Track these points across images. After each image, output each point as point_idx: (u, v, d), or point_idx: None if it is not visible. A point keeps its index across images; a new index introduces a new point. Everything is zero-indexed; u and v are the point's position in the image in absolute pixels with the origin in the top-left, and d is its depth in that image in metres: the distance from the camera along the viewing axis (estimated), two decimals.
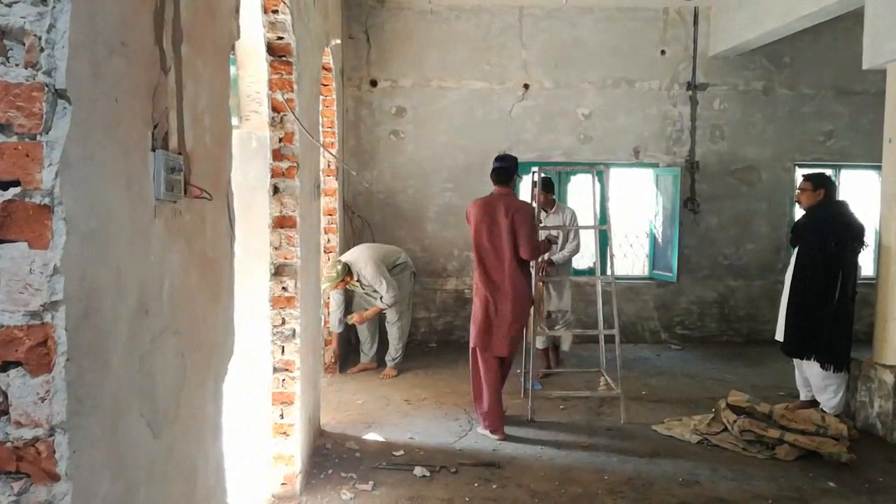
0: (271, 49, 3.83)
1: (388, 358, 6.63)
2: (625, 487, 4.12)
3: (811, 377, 5.20)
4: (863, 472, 4.35)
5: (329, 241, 6.95)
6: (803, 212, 5.35)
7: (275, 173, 3.90)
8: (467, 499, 3.93)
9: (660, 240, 8.25)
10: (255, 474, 4.01)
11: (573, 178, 8.21)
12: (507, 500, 3.94)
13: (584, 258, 7.99)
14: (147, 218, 1.68)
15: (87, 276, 1.37)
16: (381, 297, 6.35)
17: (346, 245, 7.42)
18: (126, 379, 1.56)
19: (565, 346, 6.63)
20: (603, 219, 6.58)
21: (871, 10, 5.23)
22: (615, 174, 8.34)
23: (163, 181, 1.72)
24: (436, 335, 8.07)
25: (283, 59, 3.86)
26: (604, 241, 6.70)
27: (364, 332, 6.75)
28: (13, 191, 1.25)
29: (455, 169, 7.96)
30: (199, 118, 2.06)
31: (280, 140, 3.90)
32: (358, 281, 6.34)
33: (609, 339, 5.96)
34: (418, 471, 4.25)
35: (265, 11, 3.69)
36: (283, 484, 3.90)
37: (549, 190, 6.26)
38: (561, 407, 5.62)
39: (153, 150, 1.71)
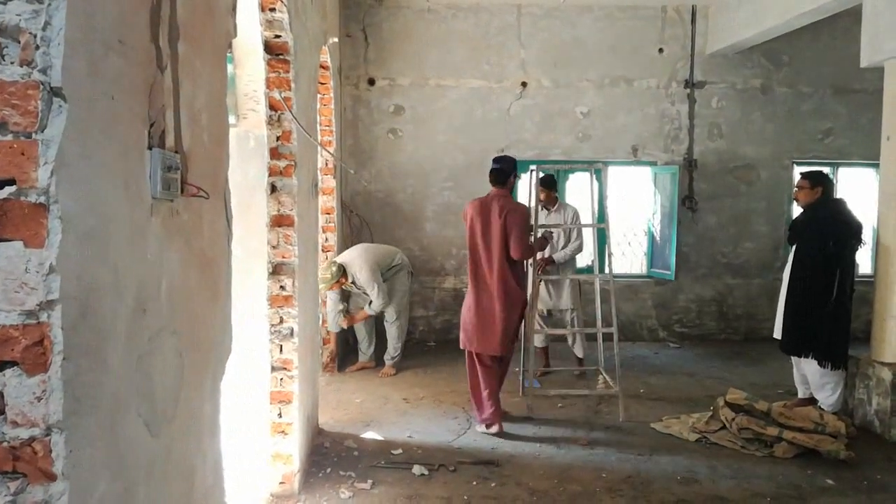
0: (269, 47, 3.83)
1: (386, 357, 6.63)
2: (623, 485, 4.12)
3: (809, 375, 5.21)
4: (861, 470, 4.35)
5: (327, 239, 6.95)
6: (801, 210, 5.35)
7: (272, 172, 3.89)
8: (466, 497, 3.93)
9: (658, 238, 8.25)
10: (253, 473, 4.01)
11: (572, 177, 8.21)
12: (506, 498, 3.94)
13: (584, 256, 7.98)
14: (144, 217, 1.68)
15: (83, 275, 1.36)
16: (370, 302, 6.35)
17: (345, 244, 7.42)
18: (124, 378, 1.55)
19: (578, 351, 6.48)
20: (601, 217, 6.58)
21: (869, 8, 5.23)
22: (614, 172, 8.36)
23: (160, 180, 1.71)
24: (434, 334, 8.07)
25: (281, 57, 3.85)
26: (602, 239, 6.71)
27: (362, 332, 6.75)
28: (8, 189, 1.25)
29: (454, 168, 7.96)
30: (196, 116, 2.05)
31: (278, 139, 3.89)
32: (353, 282, 6.34)
33: (607, 338, 5.96)
34: (417, 469, 4.25)
35: (263, 10, 3.68)
36: (281, 483, 3.89)
37: (552, 187, 6.24)
38: (559, 405, 5.62)
39: (150, 148, 1.70)
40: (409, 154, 7.95)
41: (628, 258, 9.89)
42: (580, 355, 6.47)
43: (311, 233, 4.65)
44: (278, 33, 3.79)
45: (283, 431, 3.92)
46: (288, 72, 3.87)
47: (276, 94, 3.85)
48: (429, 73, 7.90)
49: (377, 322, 6.77)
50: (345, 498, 3.90)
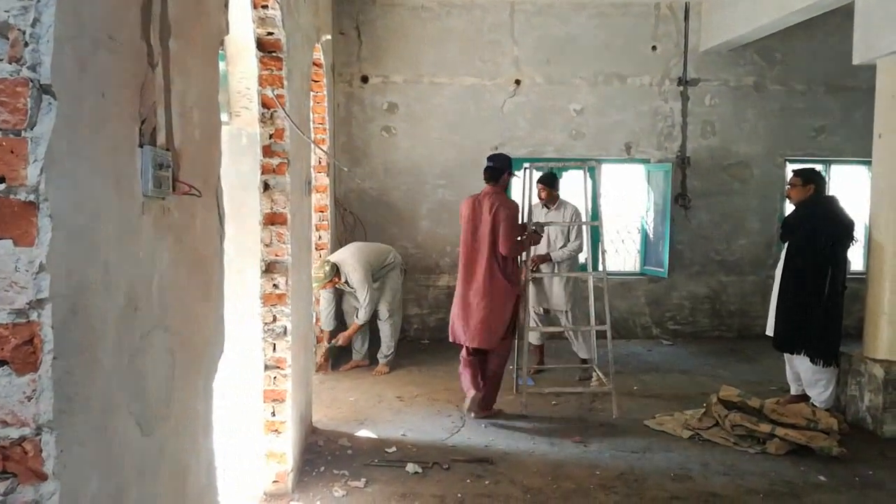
0: (261, 45, 3.81)
1: (380, 355, 6.62)
2: (617, 482, 4.12)
3: (802, 372, 5.22)
4: (853, 466, 4.37)
5: (320, 237, 6.94)
6: (794, 207, 5.36)
7: (265, 170, 3.88)
8: (460, 495, 3.93)
9: (651, 235, 8.27)
10: (247, 472, 4.00)
11: (565, 175, 8.19)
12: (500, 495, 3.94)
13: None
14: (135, 215, 1.67)
15: (73, 273, 1.35)
16: (358, 312, 6.34)
17: (338, 242, 7.41)
18: (115, 377, 1.55)
19: (580, 352, 6.28)
20: (595, 215, 6.58)
21: (861, 5, 5.25)
22: (607, 170, 8.36)
23: (151, 178, 1.70)
24: (428, 332, 8.06)
25: (273, 54, 3.84)
26: (595, 236, 6.70)
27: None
28: None
29: (448, 165, 7.95)
30: (187, 114, 2.04)
31: (270, 136, 3.88)
32: (346, 282, 6.33)
33: (601, 335, 5.97)
34: (411, 467, 4.25)
35: (255, 7, 3.67)
36: (274, 481, 3.89)
37: (553, 185, 6.19)
38: (553, 403, 5.63)
39: (141, 146, 1.69)
40: (403, 152, 7.94)
41: (622, 256, 9.90)
42: (582, 356, 6.28)
43: (305, 231, 4.64)
44: (271, 30, 3.78)
45: (276, 430, 3.91)
46: (280, 69, 3.85)
47: (268, 92, 3.84)
48: (422, 70, 7.88)
49: (371, 320, 6.76)
50: (338, 496, 3.89)
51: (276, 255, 3.91)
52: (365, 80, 7.86)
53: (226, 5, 2.52)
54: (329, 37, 6.62)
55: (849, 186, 8.72)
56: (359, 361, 6.74)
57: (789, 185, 5.39)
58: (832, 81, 8.12)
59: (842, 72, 7.82)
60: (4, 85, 1.24)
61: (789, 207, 5.53)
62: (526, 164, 5.67)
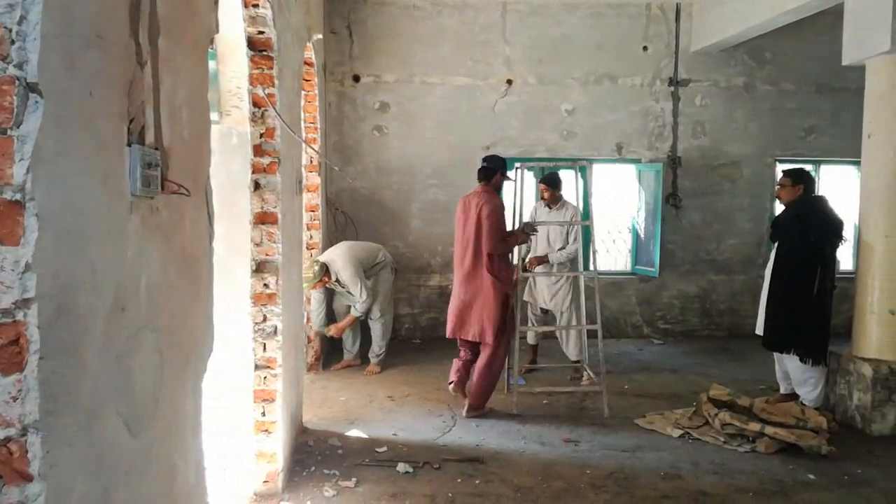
0: (252, 44, 3.80)
1: (371, 354, 6.61)
2: (607, 482, 4.13)
3: (791, 371, 5.25)
4: (842, 465, 4.40)
5: (312, 237, 6.92)
6: (784, 207, 5.39)
7: (256, 169, 3.87)
8: (450, 495, 3.93)
9: (642, 235, 8.29)
10: (236, 472, 3.99)
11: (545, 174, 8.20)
12: (491, 495, 3.94)
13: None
14: (123, 214, 1.66)
15: (60, 273, 1.34)
16: (355, 305, 6.33)
17: (330, 241, 7.39)
18: (102, 377, 1.54)
19: (570, 354, 6.21)
20: (586, 214, 6.59)
21: (850, 6, 5.27)
22: (598, 170, 8.39)
23: (139, 177, 1.69)
24: (420, 331, 8.06)
25: (264, 53, 3.82)
26: (586, 236, 6.71)
27: (346, 329, 6.72)
28: None
29: (440, 165, 7.95)
30: (176, 113, 2.03)
31: (261, 135, 3.86)
32: (336, 281, 6.31)
33: (592, 334, 5.98)
34: (401, 467, 4.25)
35: (245, 6, 3.65)
36: (265, 482, 3.87)
37: (555, 186, 6.13)
38: (544, 402, 5.63)
39: (129, 145, 1.68)
40: (395, 151, 7.93)
41: (613, 255, 9.93)
42: (572, 358, 6.23)
43: (296, 230, 4.63)
44: (262, 29, 3.77)
45: (266, 430, 3.90)
46: (271, 68, 3.84)
47: (259, 91, 3.82)
48: (414, 69, 7.88)
49: (363, 320, 6.75)
50: (329, 496, 3.89)
51: (267, 255, 3.90)
52: (356, 79, 7.85)
53: (216, 4, 2.51)
54: (320, 36, 6.60)
55: (838, 186, 8.77)
56: (350, 361, 6.74)
57: (779, 185, 5.42)
58: (822, 82, 8.17)
59: (831, 72, 7.87)
60: None
61: (779, 207, 5.55)
62: (517, 164, 5.68)
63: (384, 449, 4.58)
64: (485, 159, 5.41)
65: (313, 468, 4.27)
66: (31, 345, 1.25)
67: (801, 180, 5.26)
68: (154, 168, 1.79)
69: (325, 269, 6.22)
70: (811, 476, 4.23)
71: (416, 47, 7.86)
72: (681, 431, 4.91)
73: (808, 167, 6.88)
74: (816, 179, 7.95)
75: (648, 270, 8.12)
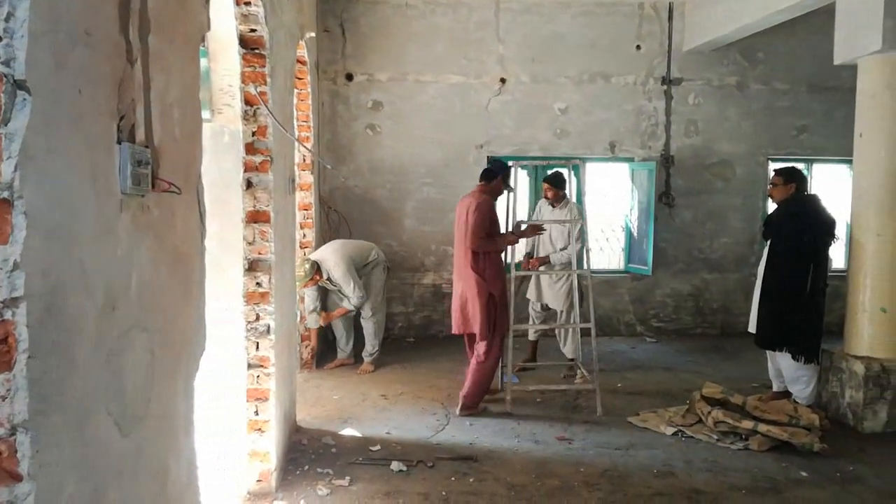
0: (244, 41, 3.78)
1: (364, 353, 6.60)
2: (601, 480, 4.14)
3: (784, 369, 5.27)
4: (834, 462, 4.41)
5: (305, 236, 6.91)
6: (776, 206, 5.40)
7: (248, 167, 3.85)
8: (444, 493, 3.93)
9: (635, 234, 8.30)
10: (229, 471, 3.98)
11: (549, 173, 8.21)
12: (484, 493, 3.94)
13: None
14: (113, 212, 1.65)
15: (50, 271, 1.34)
16: (349, 298, 6.33)
17: (323, 240, 7.38)
18: (92, 376, 1.53)
19: (567, 351, 6.25)
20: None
21: (842, 6, 5.29)
22: (591, 169, 8.39)
23: (129, 175, 1.69)
24: (413, 330, 8.06)
25: (256, 51, 3.81)
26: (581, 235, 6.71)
27: (340, 328, 6.72)
28: None
29: (433, 164, 7.94)
30: (167, 111, 2.02)
31: (253, 134, 3.85)
32: (328, 279, 6.30)
33: (585, 333, 5.99)
34: (395, 465, 4.24)
35: (237, 3, 3.64)
36: (258, 481, 3.86)
37: (559, 185, 6.09)
38: (538, 400, 5.64)
39: (119, 142, 1.67)
40: (388, 150, 7.92)
41: (606, 253, 9.96)
42: (569, 356, 6.26)
43: (288, 229, 4.61)
44: (254, 27, 3.75)
45: (259, 429, 3.89)
46: (263, 66, 3.83)
47: (251, 89, 3.81)
48: (407, 68, 7.87)
49: (356, 318, 6.74)
50: (322, 495, 3.88)
51: (260, 254, 3.88)
52: (350, 77, 7.83)
53: (207, 1, 2.49)
54: (313, 34, 6.58)
55: (830, 185, 8.81)
56: (343, 360, 6.73)
57: (771, 184, 5.44)
58: (814, 81, 8.19)
59: (823, 71, 7.89)
60: None
61: (772, 206, 5.57)
62: (511, 163, 5.68)
63: (378, 447, 4.57)
64: (490, 162, 5.41)
65: (307, 467, 4.26)
66: (20, 344, 1.25)
67: (793, 179, 5.27)
68: (144, 166, 1.78)
69: (316, 268, 6.20)
70: (804, 473, 4.25)
71: (409, 46, 7.85)
72: (674, 429, 4.92)
73: (800, 166, 6.90)
74: (809, 178, 7.98)
75: (641, 269, 8.14)
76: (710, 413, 4.79)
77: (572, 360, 6.26)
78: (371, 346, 6.60)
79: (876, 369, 4.98)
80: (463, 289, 5.27)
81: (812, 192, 5.77)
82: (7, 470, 1.24)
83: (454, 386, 5.88)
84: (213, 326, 2.98)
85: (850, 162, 5.57)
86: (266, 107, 3.82)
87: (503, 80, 7.96)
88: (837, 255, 7.91)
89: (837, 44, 5.34)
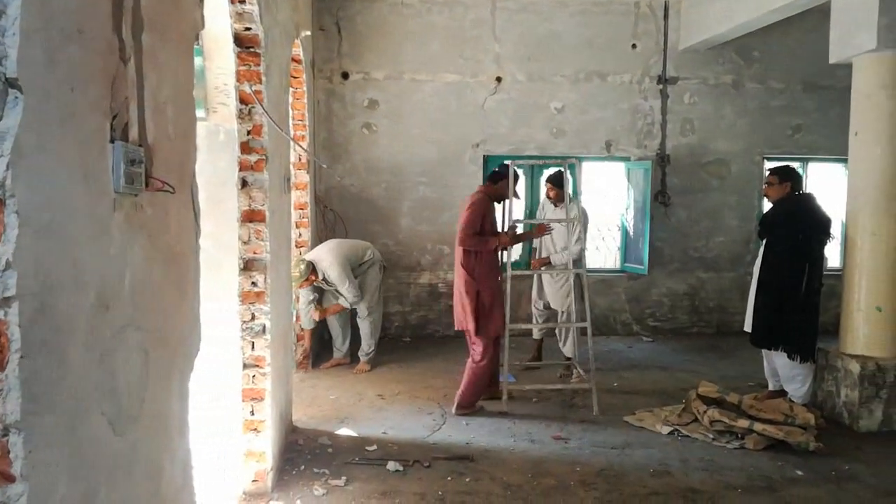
0: (239, 40, 3.77)
1: (361, 353, 6.59)
2: (597, 479, 4.14)
3: (779, 367, 5.27)
4: (830, 461, 4.42)
5: (300, 235, 6.90)
6: (771, 205, 5.41)
7: (243, 166, 3.84)
8: (440, 493, 3.92)
9: (631, 233, 8.31)
10: (225, 471, 3.97)
11: (546, 172, 8.20)
12: (481, 493, 3.94)
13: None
14: (106, 211, 1.64)
15: (42, 270, 1.33)
16: (345, 296, 6.33)
17: (319, 239, 7.37)
18: (85, 376, 1.52)
19: (566, 351, 6.26)
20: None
21: (837, 4, 5.30)
22: (587, 168, 8.39)
23: (122, 174, 1.67)
24: (410, 329, 8.05)
25: (251, 50, 3.79)
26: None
27: (336, 328, 6.70)
28: None
29: (429, 163, 7.93)
30: (161, 109, 2.01)
31: (248, 133, 3.83)
32: (324, 279, 6.29)
33: (581, 332, 5.99)
34: (391, 465, 4.24)
35: (232, 2, 3.62)
36: (254, 481, 3.85)
37: (561, 185, 6.03)
38: (534, 399, 5.64)
39: (112, 141, 1.66)
40: (384, 148, 7.91)
41: (602, 253, 9.94)
42: (568, 354, 6.27)
43: (284, 228, 4.60)
44: (248, 25, 3.74)
45: (255, 429, 3.88)
46: (258, 65, 3.81)
47: (246, 88, 3.79)
48: (403, 67, 7.86)
49: (352, 318, 6.73)
50: (318, 495, 3.87)
51: (255, 253, 3.87)
52: (345, 76, 7.82)
53: (201, 0, 2.48)
54: (308, 33, 6.57)
55: (825, 184, 8.82)
56: (340, 359, 6.72)
57: (766, 183, 5.44)
58: (809, 80, 8.21)
59: (819, 70, 7.91)
60: None
61: (767, 205, 5.57)
62: (507, 162, 5.67)
63: (374, 447, 4.57)
64: (498, 166, 5.54)
65: (303, 467, 4.25)
66: (12, 344, 1.24)
67: (788, 178, 5.28)
68: (138, 165, 1.77)
69: (311, 268, 6.19)
70: (799, 472, 4.25)
71: (405, 44, 7.84)
72: (670, 428, 4.92)
73: (795, 165, 6.91)
74: (804, 177, 8.00)
75: (637, 268, 8.14)
76: (706, 412, 4.80)
77: (570, 359, 6.26)
78: (367, 345, 6.59)
79: (871, 368, 4.99)
80: (456, 286, 5.34)
81: (807, 191, 5.77)
82: (0, 471, 1.24)
83: (450, 385, 5.87)
84: (213, 327, 2.97)
85: (845, 161, 5.57)
86: (261, 105, 3.80)
87: (499, 79, 7.95)
88: (833, 254, 7.92)
89: (832, 43, 5.35)
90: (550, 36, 7.97)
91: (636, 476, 4.19)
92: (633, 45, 8.05)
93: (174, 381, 2.17)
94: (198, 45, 4.02)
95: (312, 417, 5.17)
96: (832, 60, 5.40)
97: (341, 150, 7.87)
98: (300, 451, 4.50)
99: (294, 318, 6.11)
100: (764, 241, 5.34)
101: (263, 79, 3.82)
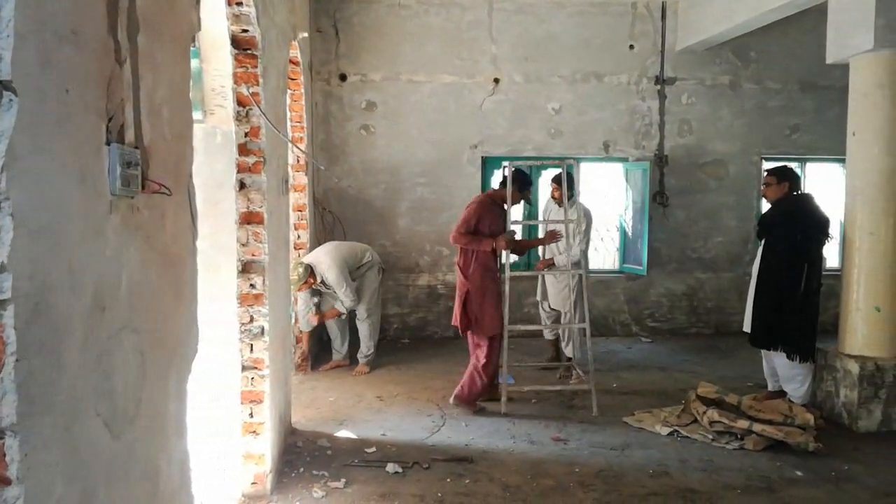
0: (236, 42, 3.77)
1: (360, 355, 6.58)
2: (596, 480, 4.13)
3: (778, 368, 5.27)
4: (829, 461, 4.42)
5: (299, 237, 6.89)
6: (770, 205, 5.41)
7: (241, 168, 3.84)
8: (439, 494, 3.92)
9: (630, 233, 8.31)
10: (224, 474, 3.96)
11: (544, 173, 8.21)
12: (479, 494, 3.93)
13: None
14: (102, 213, 1.64)
15: (37, 272, 1.33)
16: (341, 301, 6.33)
17: (317, 241, 7.36)
18: (81, 378, 1.52)
19: (567, 351, 6.29)
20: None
21: (834, 5, 5.30)
22: (585, 168, 8.39)
23: (118, 176, 1.67)
24: (408, 331, 8.04)
25: (248, 52, 3.79)
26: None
27: (335, 330, 6.70)
28: None
29: (427, 164, 7.93)
30: (157, 111, 2.01)
31: (246, 135, 3.83)
32: (322, 282, 6.29)
33: (580, 332, 5.99)
34: (391, 467, 4.23)
35: (229, 4, 3.62)
36: (253, 483, 3.85)
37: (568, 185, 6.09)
38: (533, 401, 5.63)
39: (108, 143, 1.66)
40: (382, 150, 7.91)
41: (601, 253, 9.95)
42: (569, 355, 6.28)
43: (282, 230, 4.60)
44: (245, 28, 3.74)
45: (254, 431, 3.87)
46: (256, 67, 3.81)
47: (243, 90, 3.79)
48: (401, 68, 7.86)
49: (351, 320, 6.73)
50: (318, 497, 3.87)
51: (253, 255, 3.87)
52: (343, 78, 7.82)
53: (197, 1, 2.48)
54: (306, 34, 6.57)
55: (823, 184, 8.82)
56: (339, 361, 6.71)
57: (764, 184, 5.44)
58: (806, 80, 8.21)
59: (816, 70, 7.91)
60: None
61: (765, 205, 5.57)
62: (505, 163, 5.67)
63: (373, 449, 4.56)
64: (516, 169, 5.55)
65: (302, 469, 4.25)
66: (8, 346, 1.24)
67: (786, 178, 5.28)
68: (134, 167, 1.77)
69: (309, 271, 6.18)
70: (798, 473, 4.25)
71: (402, 46, 7.84)
72: (669, 429, 4.92)
73: (793, 165, 6.91)
74: (802, 177, 7.99)
75: (636, 269, 8.14)
76: (705, 413, 4.79)
77: (570, 359, 6.27)
78: (366, 347, 6.59)
79: (870, 368, 4.99)
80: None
81: (805, 192, 5.77)
82: None
83: (449, 387, 5.87)
84: (212, 327, 2.97)
85: (843, 161, 5.58)
86: (258, 108, 3.80)
87: (497, 80, 7.95)
88: (831, 254, 7.93)
89: (830, 43, 5.35)
90: (548, 37, 7.97)
91: (635, 477, 4.18)
92: (631, 46, 8.06)
93: (171, 382, 2.16)
94: (195, 47, 4.02)
95: (311, 419, 5.17)
96: (829, 60, 5.40)
97: (339, 152, 7.87)
98: (299, 453, 4.49)
99: (293, 321, 6.10)
100: (763, 242, 5.34)
101: (261, 81, 3.82)
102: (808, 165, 8.47)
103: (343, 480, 4.05)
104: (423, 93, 7.89)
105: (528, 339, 7.41)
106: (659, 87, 8.12)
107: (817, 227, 5.11)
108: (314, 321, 6.46)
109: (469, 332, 5.36)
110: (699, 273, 8.35)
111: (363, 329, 6.57)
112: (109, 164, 1.66)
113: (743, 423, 4.64)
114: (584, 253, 6.08)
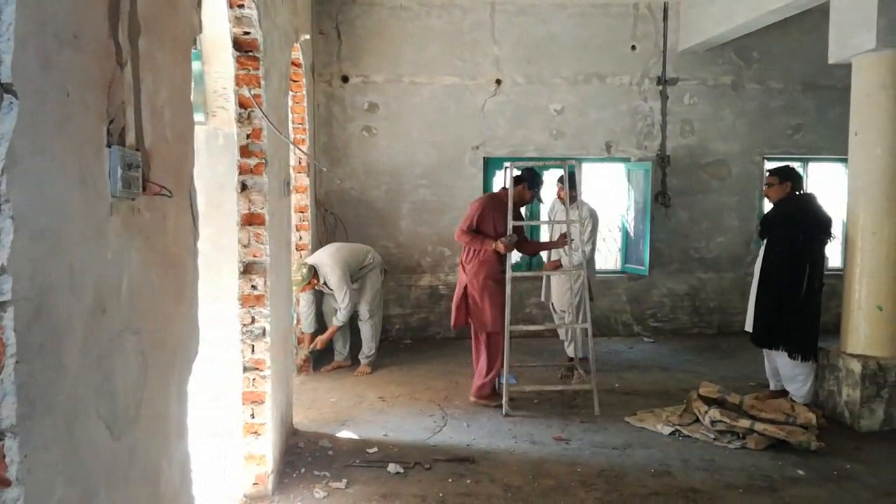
0: (237, 44, 3.77)
1: (361, 355, 6.59)
2: (597, 479, 4.14)
3: (780, 367, 5.27)
4: (831, 460, 4.41)
5: (301, 238, 6.90)
6: (772, 205, 5.41)
7: (242, 170, 3.85)
8: (441, 495, 3.92)
9: (632, 234, 8.31)
10: (226, 475, 3.97)
11: (546, 174, 8.19)
12: (481, 494, 3.94)
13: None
14: (103, 215, 1.64)
15: (38, 274, 1.33)
16: (336, 312, 6.33)
17: (319, 242, 7.37)
18: (82, 380, 1.52)
19: (569, 351, 6.32)
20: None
21: (836, 4, 5.30)
22: (587, 169, 8.39)
23: (119, 178, 1.68)
24: (410, 332, 8.04)
25: (250, 54, 3.80)
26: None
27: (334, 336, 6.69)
28: None
29: (429, 165, 7.94)
30: (158, 113, 2.02)
31: (248, 136, 3.84)
32: (325, 283, 6.29)
33: (582, 333, 5.99)
34: (392, 468, 4.24)
35: (231, 6, 3.63)
36: (254, 484, 3.85)
37: (571, 186, 5.87)
38: (535, 401, 5.63)
39: (109, 146, 1.67)
40: (384, 151, 7.91)
41: (603, 254, 9.94)
42: (570, 355, 6.31)
43: (284, 231, 4.61)
44: (247, 30, 3.74)
45: (255, 432, 3.88)
46: (258, 69, 3.82)
47: (245, 92, 3.80)
48: (403, 70, 7.87)
49: (353, 321, 6.73)
50: (319, 498, 3.87)
51: (255, 256, 3.88)
52: (345, 79, 7.83)
53: (198, 3, 2.49)
54: (308, 36, 6.58)
55: (826, 184, 8.81)
56: (340, 362, 6.72)
57: (766, 184, 5.44)
58: (809, 80, 8.20)
59: (818, 70, 7.90)
60: None
61: (768, 205, 5.57)
62: (507, 164, 5.68)
63: (375, 450, 4.57)
64: (525, 169, 5.66)
65: (304, 470, 4.25)
66: (8, 348, 1.24)
67: (788, 178, 5.28)
68: (135, 169, 1.78)
69: (313, 272, 6.20)
70: (800, 472, 4.25)
71: (404, 47, 7.85)
72: (671, 429, 4.91)
73: (795, 165, 6.90)
74: (804, 177, 7.98)
75: (638, 269, 8.14)
76: (706, 412, 4.79)
77: (572, 359, 6.27)
78: (368, 348, 6.60)
79: (872, 367, 4.98)
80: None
81: (808, 192, 5.76)
82: None
83: (451, 387, 5.88)
84: (212, 328, 2.98)
85: (845, 160, 5.56)
86: (260, 109, 3.81)
87: (498, 82, 7.95)
88: (834, 254, 7.91)
89: (832, 43, 5.35)
90: (549, 38, 7.98)
91: (636, 476, 4.18)
92: (633, 47, 8.06)
93: (172, 383, 2.17)
94: (196, 49, 4.03)
95: (313, 420, 5.17)
96: (832, 61, 5.40)
97: (341, 154, 7.88)
98: (301, 454, 4.50)
99: (294, 322, 6.11)
100: (765, 242, 5.34)
101: (262, 82, 3.83)
102: (811, 165, 8.46)
103: (344, 481, 4.06)
104: (425, 94, 7.90)
105: (530, 339, 7.42)
106: (661, 87, 8.11)
107: (819, 226, 5.11)
108: (320, 346, 6.42)
109: (473, 330, 5.52)
110: (701, 273, 8.35)
111: (365, 330, 6.58)
112: (110, 167, 1.67)
113: (745, 423, 4.63)
114: (591, 255, 6.08)
